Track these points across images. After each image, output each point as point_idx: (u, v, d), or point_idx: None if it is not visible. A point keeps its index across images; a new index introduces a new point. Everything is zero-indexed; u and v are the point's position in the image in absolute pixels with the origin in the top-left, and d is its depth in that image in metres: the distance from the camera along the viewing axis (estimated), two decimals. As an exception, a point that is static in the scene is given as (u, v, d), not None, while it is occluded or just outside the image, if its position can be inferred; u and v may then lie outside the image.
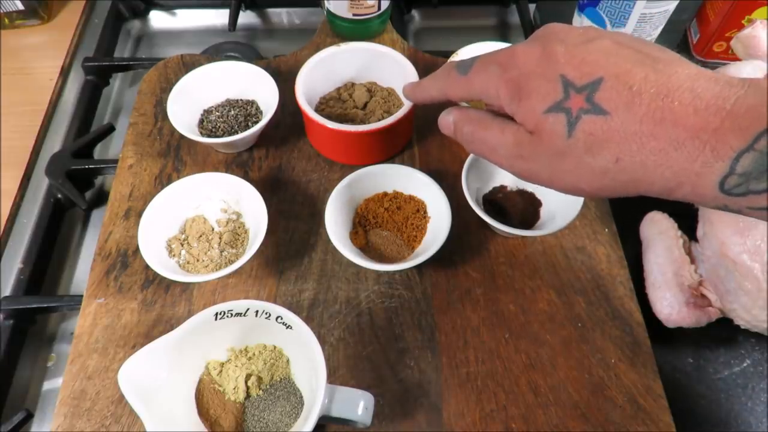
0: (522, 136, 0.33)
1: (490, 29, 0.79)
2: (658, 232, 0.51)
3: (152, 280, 0.50)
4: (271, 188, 0.55)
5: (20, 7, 0.72)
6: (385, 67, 0.58)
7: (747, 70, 0.50)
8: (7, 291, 0.54)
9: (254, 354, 0.44)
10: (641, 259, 0.52)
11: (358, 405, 0.39)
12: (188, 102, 0.57)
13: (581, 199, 0.49)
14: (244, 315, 0.41)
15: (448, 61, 0.59)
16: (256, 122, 0.57)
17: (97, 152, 0.65)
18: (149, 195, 0.53)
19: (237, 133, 0.55)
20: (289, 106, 0.58)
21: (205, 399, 0.43)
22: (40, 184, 0.61)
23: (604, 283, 0.50)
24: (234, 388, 0.43)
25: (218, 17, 0.78)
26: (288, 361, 0.44)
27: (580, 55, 0.30)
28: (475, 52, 0.60)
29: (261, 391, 0.43)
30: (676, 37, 0.72)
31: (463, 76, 0.36)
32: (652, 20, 0.65)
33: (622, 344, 0.47)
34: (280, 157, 0.58)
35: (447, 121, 0.39)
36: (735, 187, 0.27)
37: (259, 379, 0.43)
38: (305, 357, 0.41)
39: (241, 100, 0.59)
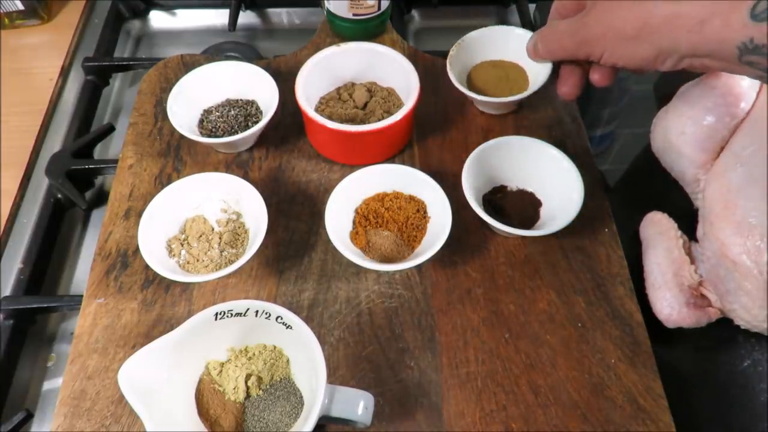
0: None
1: (490, 29, 0.79)
2: (658, 233, 0.51)
3: (152, 280, 0.50)
4: (271, 188, 0.55)
5: (20, 7, 0.72)
6: (385, 67, 0.58)
7: (747, 70, 0.50)
8: (7, 291, 0.54)
9: (254, 354, 0.44)
10: (641, 259, 0.52)
11: (358, 405, 0.39)
12: (188, 102, 0.57)
13: (581, 199, 0.49)
14: (244, 315, 0.41)
15: (452, 48, 0.58)
16: (256, 122, 0.57)
17: (97, 152, 0.65)
18: (149, 195, 0.53)
19: (237, 133, 0.55)
20: (289, 106, 0.58)
21: (205, 399, 0.43)
22: (40, 184, 0.61)
23: (604, 283, 0.50)
24: (234, 388, 0.43)
25: (218, 17, 0.78)
26: (288, 361, 0.44)
27: None
28: (483, 37, 0.59)
29: (261, 391, 0.43)
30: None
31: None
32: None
33: (622, 344, 0.47)
34: (280, 157, 0.58)
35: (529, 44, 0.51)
36: (763, 12, 0.31)
37: (259, 379, 0.43)
38: (305, 357, 0.41)
39: (241, 100, 0.59)
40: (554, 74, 0.53)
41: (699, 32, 0.35)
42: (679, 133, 0.51)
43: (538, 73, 0.56)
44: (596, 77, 0.47)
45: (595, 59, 0.44)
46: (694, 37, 0.35)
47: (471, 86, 0.59)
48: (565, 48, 0.46)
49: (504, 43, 0.60)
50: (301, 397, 0.43)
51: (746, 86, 0.49)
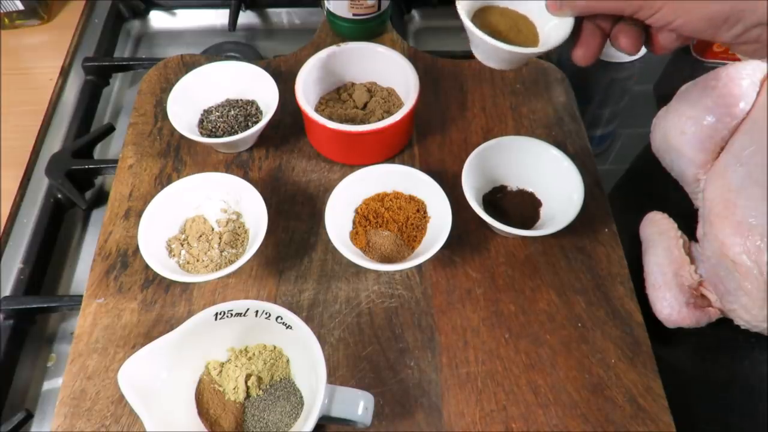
0: None
1: (490, 29, 0.79)
2: (658, 233, 0.51)
3: (152, 280, 0.50)
4: (271, 188, 0.55)
5: (20, 7, 0.72)
6: (385, 67, 0.58)
7: (747, 71, 0.50)
8: (7, 291, 0.54)
9: (254, 354, 0.44)
10: (641, 259, 0.52)
11: (358, 405, 0.39)
12: (188, 102, 0.57)
13: (581, 199, 0.49)
14: (244, 315, 0.41)
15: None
16: (256, 122, 0.57)
17: (97, 152, 0.65)
18: (149, 195, 0.53)
19: (237, 133, 0.55)
20: (289, 106, 0.58)
21: (205, 399, 0.43)
22: (40, 184, 0.61)
23: (604, 283, 0.50)
24: (234, 388, 0.43)
25: (218, 17, 0.78)
26: (288, 361, 0.44)
27: None
28: None
29: (261, 391, 0.43)
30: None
31: None
32: (652, 20, 0.64)
33: (622, 344, 0.47)
34: (280, 157, 0.58)
35: None
36: None
37: (259, 379, 0.43)
38: (305, 357, 0.41)
39: (241, 100, 0.59)
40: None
41: None
42: (679, 133, 0.51)
43: (550, 31, 0.46)
44: (624, 42, 0.39)
45: (643, 17, 0.36)
46: None
47: None
48: (606, 1, 0.38)
49: None
50: (301, 397, 0.43)
51: (746, 86, 0.49)
